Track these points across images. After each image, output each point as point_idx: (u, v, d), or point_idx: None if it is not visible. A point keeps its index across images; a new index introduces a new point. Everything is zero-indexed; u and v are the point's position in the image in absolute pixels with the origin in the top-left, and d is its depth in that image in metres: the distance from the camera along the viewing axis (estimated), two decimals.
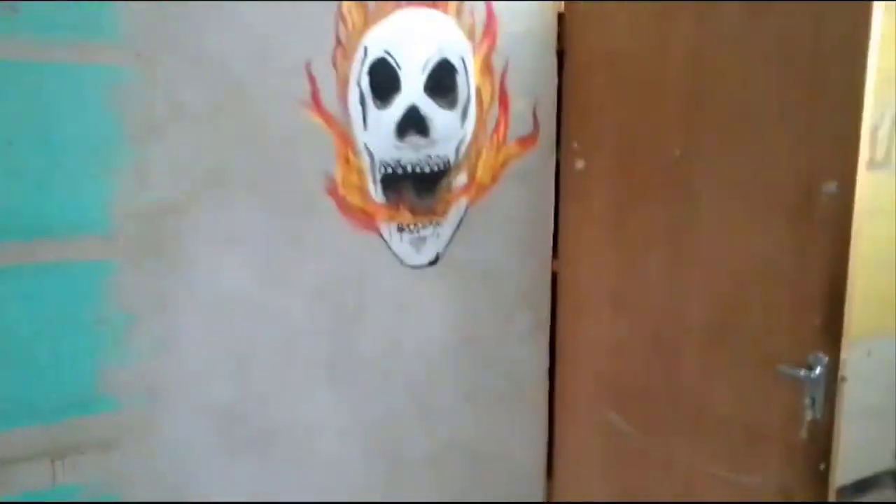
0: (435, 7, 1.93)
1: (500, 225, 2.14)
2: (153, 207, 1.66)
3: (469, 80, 2.01)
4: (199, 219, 1.71)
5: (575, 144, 2.13)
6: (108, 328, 1.63)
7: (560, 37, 2.13)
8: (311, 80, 1.79)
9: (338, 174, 1.87)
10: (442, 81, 1.97)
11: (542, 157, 2.18)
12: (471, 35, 2.00)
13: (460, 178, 2.05)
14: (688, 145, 1.80)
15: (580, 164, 2.12)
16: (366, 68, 1.86)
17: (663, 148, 1.85)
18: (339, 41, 1.81)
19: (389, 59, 1.89)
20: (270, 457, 1.88)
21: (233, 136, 1.73)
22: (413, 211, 1.99)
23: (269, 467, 1.88)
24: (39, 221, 1.55)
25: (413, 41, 1.91)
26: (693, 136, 1.79)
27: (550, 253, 2.23)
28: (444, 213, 2.04)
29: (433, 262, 2.05)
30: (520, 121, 2.13)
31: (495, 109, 2.08)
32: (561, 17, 2.13)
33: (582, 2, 2.08)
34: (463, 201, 2.07)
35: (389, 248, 1.97)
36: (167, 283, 1.69)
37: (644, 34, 1.90)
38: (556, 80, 2.16)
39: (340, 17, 1.81)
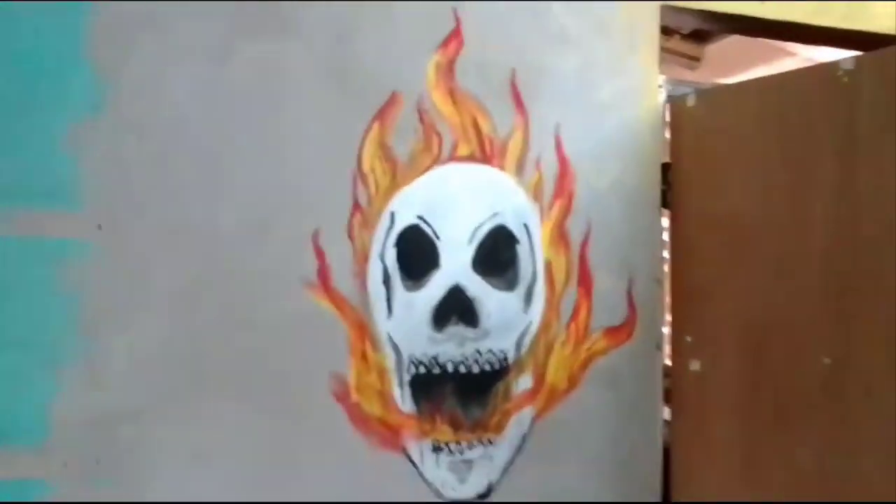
0: (486, 162, 1.54)
1: (580, 447, 1.67)
2: (104, 414, 1.38)
3: (535, 253, 1.58)
4: (163, 428, 1.41)
5: (688, 339, 1.60)
6: None
7: (665, 193, 1.65)
8: (319, 253, 1.45)
9: (351, 374, 1.51)
10: (497, 255, 1.57)
11: (640, 354, 1.69)
12: (537, 194, 1.60)
13: (523, 381, 1.63)
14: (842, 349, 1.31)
15: (695, 365, 1.56)
16: (392, 239, 1.50)
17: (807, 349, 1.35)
18: (357, 206, 1.46)
19: (425, 226, 1.51)
20: None
21: (212, 323, 1.43)
22: (455, 424, 1.58)
23: None
24: None
25: (457, 204, 1.53)
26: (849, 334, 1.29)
27: (659, 491, 1.63)
28: (500, 428, 1.60)
29: (483, 496, 1.60)
30: (607, 305, 1.66)
31: (573, 290, 1.63)
32: (666, 167, 1.65)
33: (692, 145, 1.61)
34: (527, 412, 1.63)
35: (420, 474, 1.56)
36: None
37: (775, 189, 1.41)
38: (659, 251, 1.67)
39: (360, 175, 1.46)
